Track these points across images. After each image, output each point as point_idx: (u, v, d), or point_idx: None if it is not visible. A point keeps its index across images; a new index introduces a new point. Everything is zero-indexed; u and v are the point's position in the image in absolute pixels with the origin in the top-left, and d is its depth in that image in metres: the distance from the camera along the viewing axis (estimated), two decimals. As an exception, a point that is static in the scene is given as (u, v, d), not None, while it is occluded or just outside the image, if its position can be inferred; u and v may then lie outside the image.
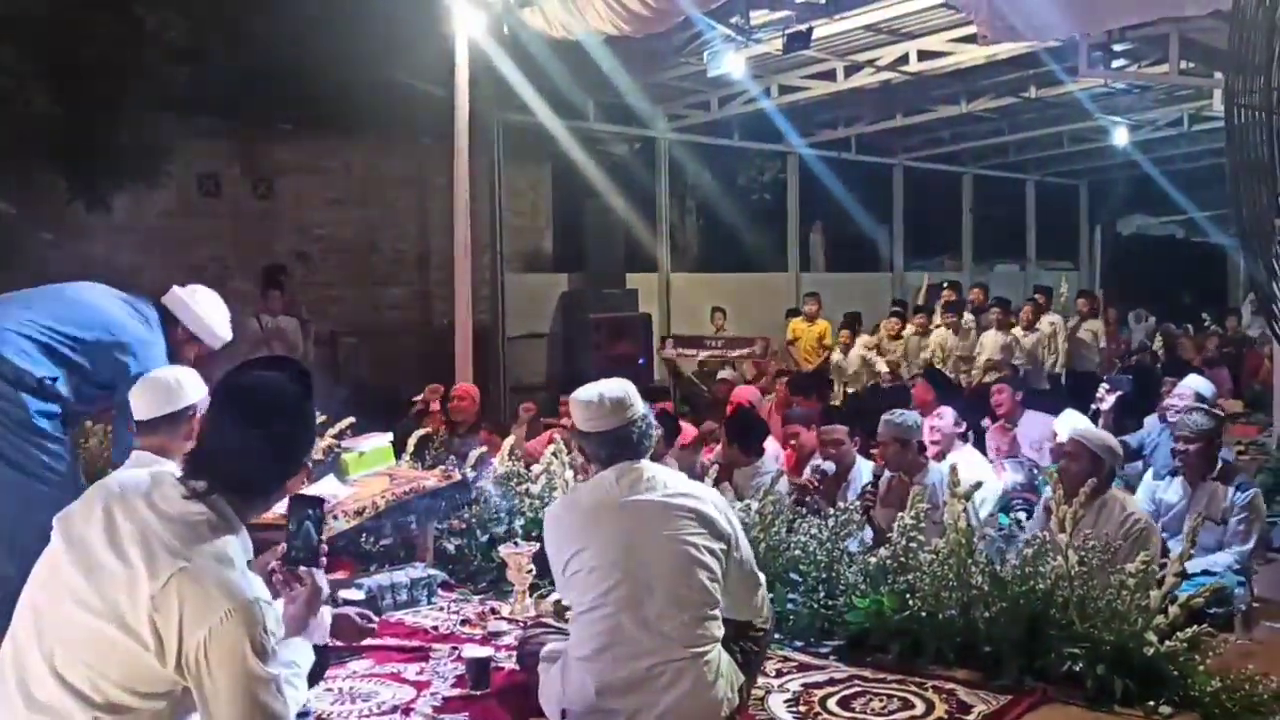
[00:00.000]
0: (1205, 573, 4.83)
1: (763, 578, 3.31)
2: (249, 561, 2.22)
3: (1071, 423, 6.33)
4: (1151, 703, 3.28)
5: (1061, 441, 6.19)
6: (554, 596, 4.10)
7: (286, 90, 9.93)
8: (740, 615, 3.22)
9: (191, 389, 3.40)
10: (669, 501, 3.09)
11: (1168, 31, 7.80)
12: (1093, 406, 7.60)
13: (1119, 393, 7.49)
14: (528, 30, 9.08)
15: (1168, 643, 3.38)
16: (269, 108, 10.37)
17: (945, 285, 12.94)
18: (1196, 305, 16.35)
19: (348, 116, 10.57)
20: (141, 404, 3.40)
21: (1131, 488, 5.68)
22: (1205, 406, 6.36)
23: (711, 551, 3.07)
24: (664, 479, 3.15)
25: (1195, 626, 3.43)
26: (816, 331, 12.35)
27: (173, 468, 2.61)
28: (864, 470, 5.54)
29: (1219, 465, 5.43)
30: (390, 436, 5.12)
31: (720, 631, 3.12)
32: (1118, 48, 9.38)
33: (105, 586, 2.07)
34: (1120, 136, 14.35)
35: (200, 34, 9.51)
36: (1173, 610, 3.49)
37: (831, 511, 4.31)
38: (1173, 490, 5.54)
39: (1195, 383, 7.06)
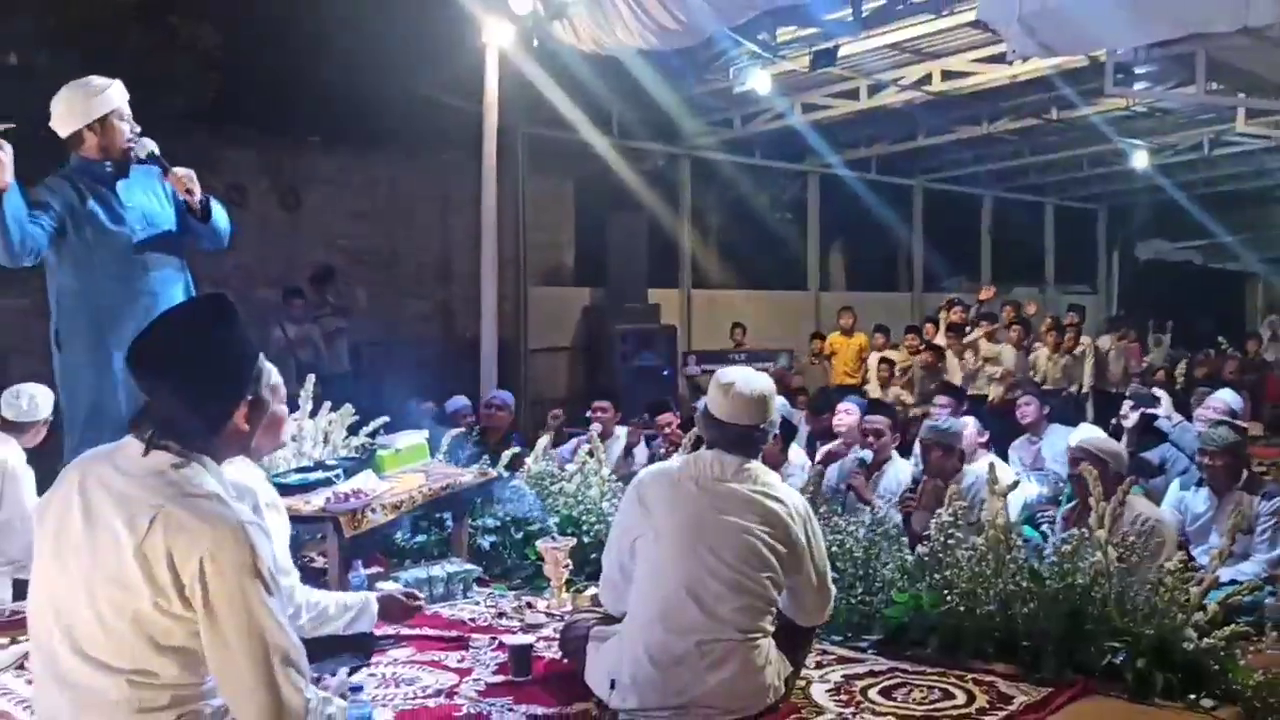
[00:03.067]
0: (1233, 581, 4.85)
1: (834, 591, 3.34)
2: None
3: (1087, 437, 6.40)
4: (1193, 696, 3.29)
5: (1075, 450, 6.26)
6: (591, 591, 4.14)
7: (314, 103, 10.02)
8: (806, 622, 3.28)
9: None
10: (752, 495, 3.14)
11: (1193, 51, 7.83)
12: (1113, 422, 7.64)
13: (1141, 409, 7.54)
14: (556, 44, 9.19)
15: (1206, 640, 3.40)
16: (297, 120, 10.47)
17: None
18: (1214, 331, 16.32)
19: (374, 129, 10.67)
20: None
21: (1158, 501, 5.72)
22: (1231, 420, 6.41)
23: (775, 551, 3.11)
24: (757, 474, 3.19)
25: (1232, 626, 3.45)
26: (856, 344, 12.40)
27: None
28: (899, 468, 5.58)
29: (1244, 476, 5.51)
30: (425, 434, 5.18)
31: (772, 627, 3.16)
32: (1140, 70, 9.42)
33: (97, 560, 2.09)
34: (1140, 160, 14.40)
35: (232, 45, 9.64)
36: (1211, 607, 3.52)
37: (868, 508, 4.34)
38: (1199, 500, 5.61)
39: (1227, 396, 7.12)
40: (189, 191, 4.02)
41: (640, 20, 8.25)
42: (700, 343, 13.53)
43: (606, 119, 12.27)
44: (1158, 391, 8.27)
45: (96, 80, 3.91)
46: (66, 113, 3.90)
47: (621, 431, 7.44)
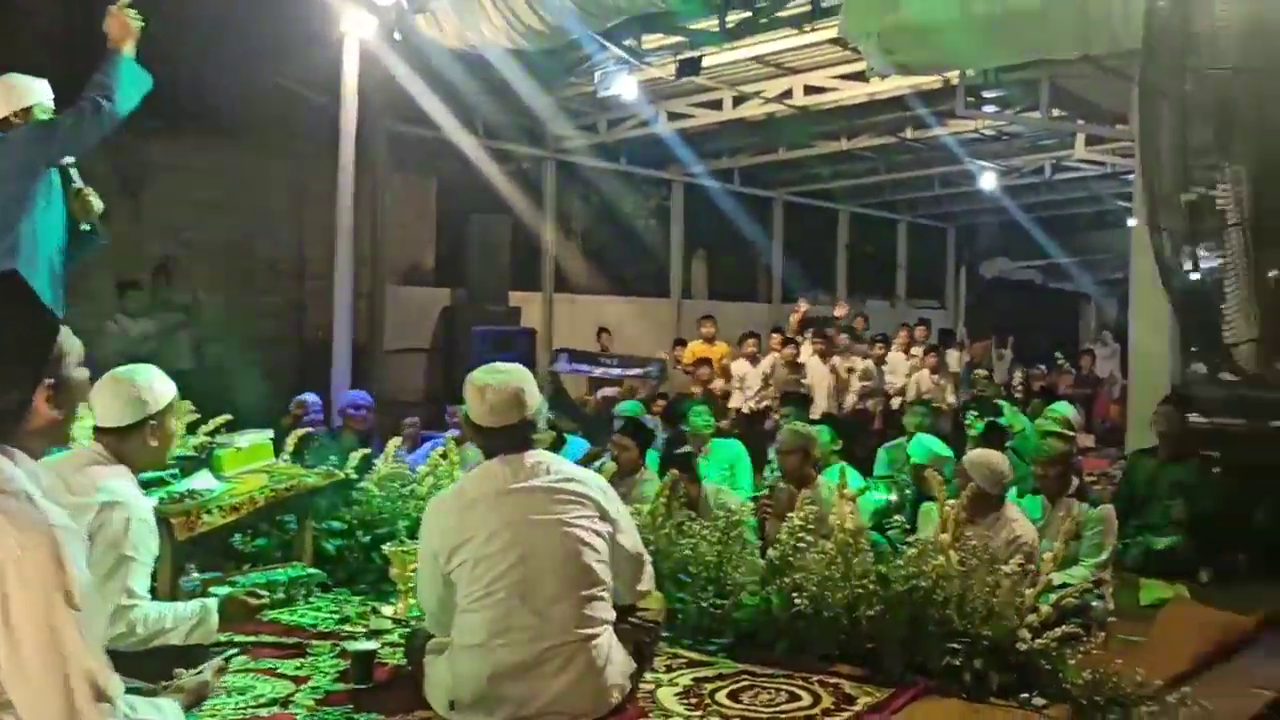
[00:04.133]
0: (1065, 585, 5.06)
1: (649, 558, 3.36)
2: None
3: (927, 447, 6.64)
4: (1025, 695, 3.40)
5: (916, 463, 6.48)
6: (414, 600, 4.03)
7: (160, 86, 9.59)
8: (628, 598, 3.26)
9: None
10: (554, 486, 3.11)
11: (1038, 78, 8.19)
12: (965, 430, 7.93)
13: (985, 418, 7.86)
14: (420, 39, 9.03)
15: (1039, 640, 3.52)
16: (140, 103, 10.00)
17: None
18: (1052, 347, 17.11)
19: (226, 117, 10.26)
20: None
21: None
22: (1060, 431, 6.73)
23: (597, 533, 3.11)
24: (548, 464, 3.16)
25: (1063, 627, 3.58)
26: (718, 353, 12.50)
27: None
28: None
29: (1074, 484, 5.78)
30: (270, 433, 4.98)
31: (610, 615, 3.14)
32: (989, 94, 9.80)
33: None
34: (987, 181, 15.01)
35: (71, 22, 9.15)
36: (1044, 609, 3.64)
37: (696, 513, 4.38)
38: (1034, 508, 5.85)
39: (1065, 409, 7.46)
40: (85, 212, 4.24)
41: (506, 19, 8.19)
42: (566, 346, 13.47)
43: (471, 118, 12.11)
44: (999, 402, 8.59)
45: (26, 78, 4.33)
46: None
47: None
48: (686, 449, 6.62)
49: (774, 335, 12.00)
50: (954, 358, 12.65)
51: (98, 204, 4.31)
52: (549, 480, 3.10)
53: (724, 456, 7.22)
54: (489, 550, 3.03)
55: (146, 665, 2.67)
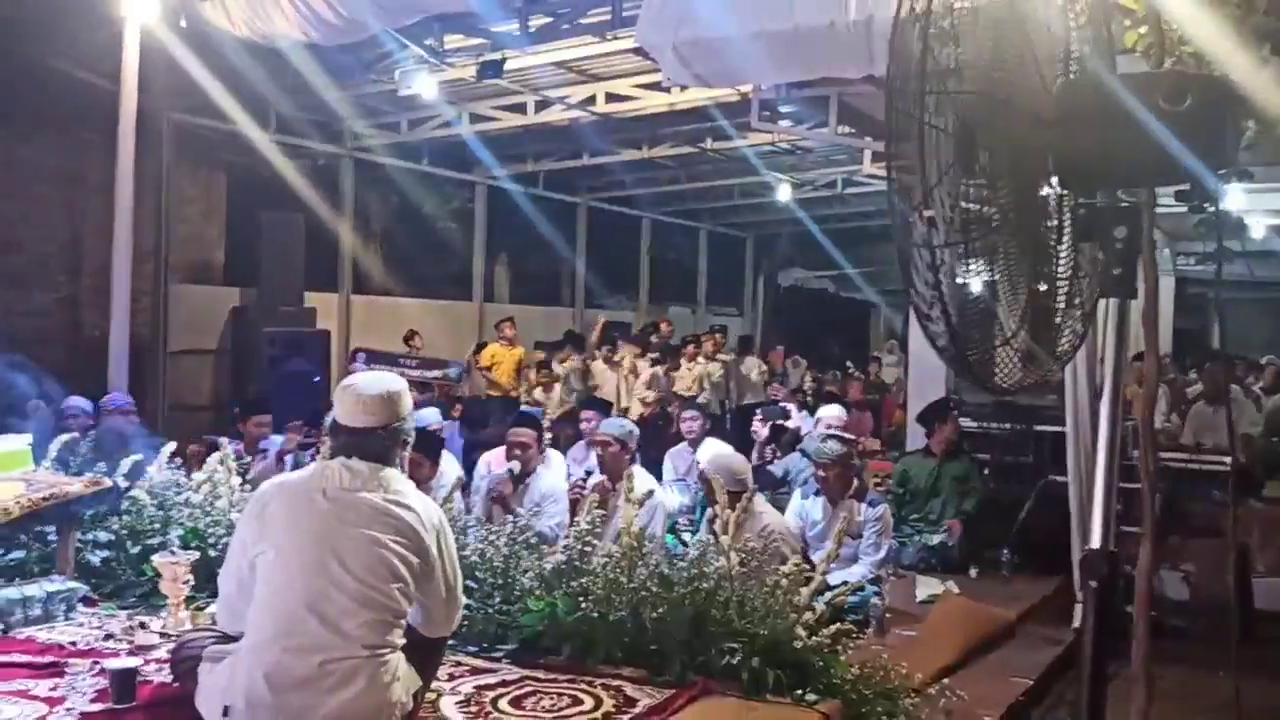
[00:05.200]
0: (845, 583, 5.30)
1: (462, 600, 3.27)
2: None
3: (712, 449, 6.86)
4: (799, 691, 3.53)
5: (704, 467, 6.68)
6: (213, 608, 3.86)
7: (-83, 63, 8.88)
8: (431, 633, 3.18)
9: None
10: (384, 504, 3.02)
11: (828, 95, 8.53)
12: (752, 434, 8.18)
13: (772, 421, 8.13)
14: (209, 26, 8.62)
15: (814, 638, 3.66)
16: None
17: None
18: (843, 354, 17.87)
19: (-10, 99, 9.56)
20: None
21: (782, 508, 6.16)
22: (840, 434, 7.04)
23: (408, 564, 3.01)
24: (390, 482, 3.07)
25: (838, 624, 3.74)
26: (516, 355, 12.45)
27: None
28: (544, 479, 5.67)
29: (854, 485, 6.08)
30: (28, 438, 4.67)
31: (401, 640, 3.06)
32: (784, 109, 10.14)
33: None
34: (783, 193, 15.49)
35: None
36: (819, 608, 3.79)
37: (510, 517, 4.36)
38: (816, 508, 6.10)
39: (836, 410, 7.82)
40: None
41: (299, 10, 7.92)
42: (364, 346, 13.13)
43: (265, 111, 11.64)
44: (789, 406, 8.89)
45: None
46: None
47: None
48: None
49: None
50: (752, 364, 13.04)
51: None
52: (383, 497, 3.01)
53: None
54: (295, 546, 2.94)
55: None
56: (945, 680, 3.74)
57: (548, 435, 7.26)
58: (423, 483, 5.62)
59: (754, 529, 4.63)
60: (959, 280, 2.12)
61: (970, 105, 2.03)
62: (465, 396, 11.46)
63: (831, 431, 6.63)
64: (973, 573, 6.67)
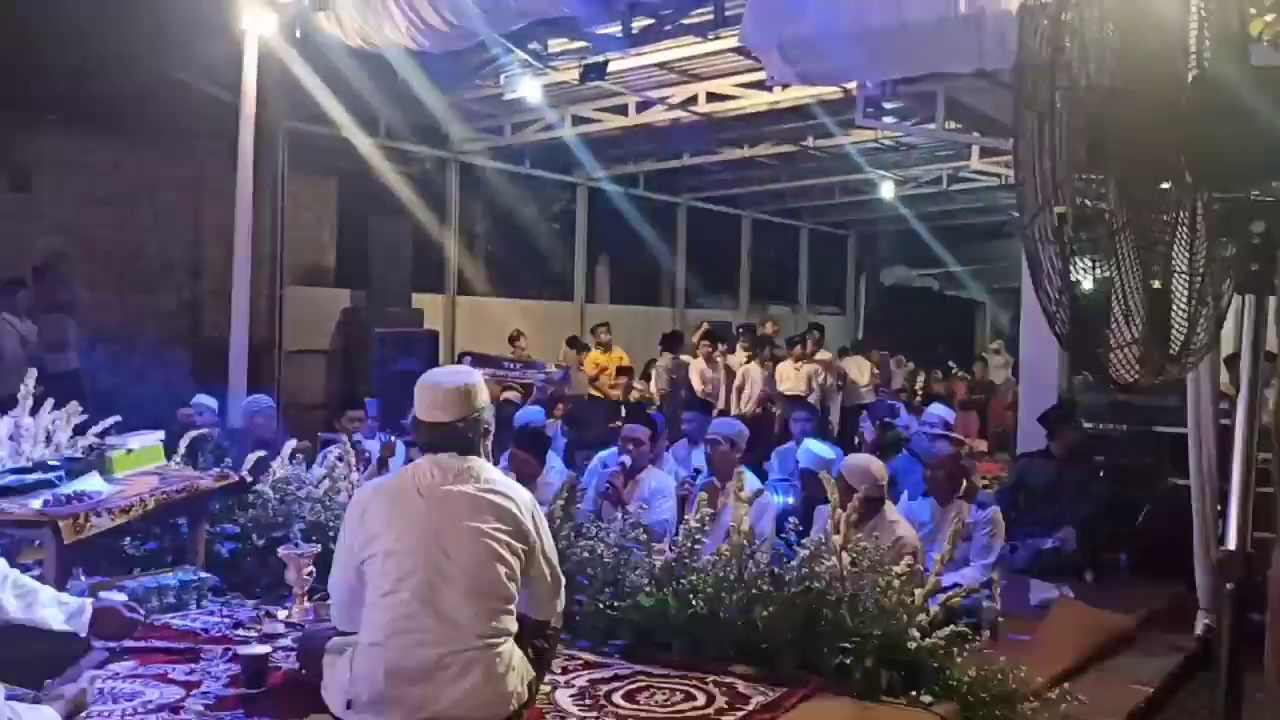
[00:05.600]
0: (955, 585, 5.22)
1: (563, 581, 3.34)
2: None
3: (810, 451, 6.79)
4: (914, 693, 3.50)
5: (806, 466, 6.64)
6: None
7: (53, 77, 9.30)
8: (540, 615, 3.25)
9: None
10: (479, 495, 3.09)
11: (934, 90, 8.40)
12: (856, 438, 8.10)
13: (880, 420, 8.03)
14: (322, 36, 8.88)
15: (928, 639, 3.62)
16: (31, 94, 9.67)
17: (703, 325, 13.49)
18: (947, 354, 17.56)
19: (120, 112, 9.98)
20: None
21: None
22: (949, 434, 6.93)
23: (512, 549, 3.09)
24: (480, 471, 3.14)
25: (951, 627, 3.70)
26: (615, 360, 12.55)
27: None
28: (654, 476, 5.69)
29: (964, 486, 5.96)
30: (161, 434, 4.88)
31: (514, 627, 3.13)
32: (889, 105, 10.03)
33: None
34: (886, 190, 15.31)
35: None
36: (933, 610, 3.75)
37: (619, 514, 4.41)
38: (925, 509, 6.01)
39: (940, 410, 7.68)
40: None
41: (409, 19, 8.10)
42: (466, 350, 13.37)
43: (373, 118, 11.95)
44: (897, 404, 8.77)
45: None
46: None
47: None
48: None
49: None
50: (859, 365, 12.92)
51: None
52: (476, 488, 3.09)
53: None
54: (401, 547, 3.02)
55: (22, 674, 2.59)
56: (1066, 685, 3.66)
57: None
58: (529, 480, 5.73)
59: (887, 540, 4.58)
60: (1080, 277, 2.09)
61: (1098, 98, 2.00)
62: (568, 396, 11.57)
63: (939, 432, 6.53)
64: (1089, 577, 6.50)
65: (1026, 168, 1.98)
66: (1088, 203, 2.11)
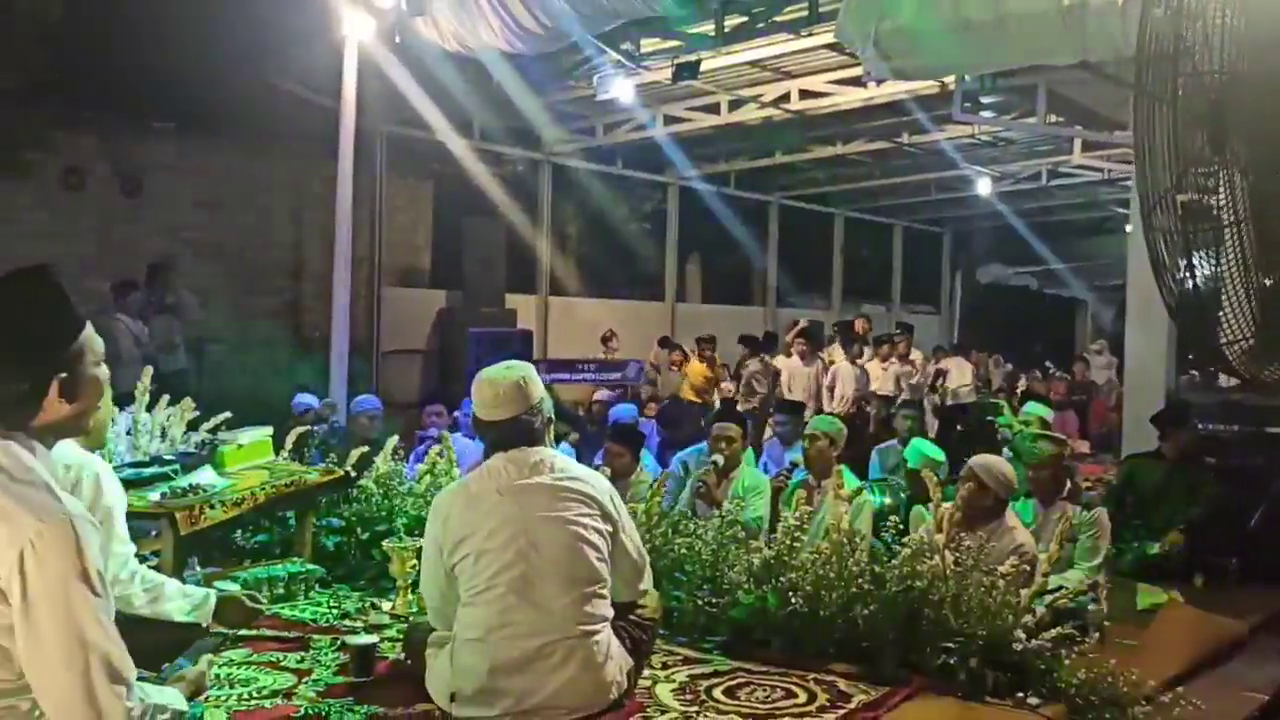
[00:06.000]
0: (1059, 587, 5.09)
1: (647, 560, 3.37)
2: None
3: (921, 450, 6.68)
4: (1020, 694, 3.44)
5: (913, 466, 6.53)
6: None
7: (162, 85, 9.63)
8: (626, 596, 3.28)
9: None
10: (557, 484, 3.13)
11: (1035, 83, 8.23)
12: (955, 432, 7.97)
13: (984, 418, 7.89)
14: (419, 41, 9.05)
15: (1034, 641, 3.55)
16: (141, 103, 10.03)
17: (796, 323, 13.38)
18: (1046, 354, 17.17)
19: (225, 117, 10.30)
20: None
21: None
22: (1051, 434, 6.75)
23: (599, 532, 3.13)
24: (552, 462, 3.18)
25: (1058, 628, 3.62)
26: (720, 373, 12.53)
27: None
28: (747, 474, 5.68)
29: (1067, 487, 5.81)
30: (270, 430, 5.01)
31: (609, 612, 3.16)
32: (986, 99, 9.85)
33: None
34: (983, 187, 15.05)
35: (74, 20, 9.18)
36: (1040, 611, 3.68)
37: (717, 511, 4.40)
38: (1027, 511, 5.87)
39: (1036, 409, 7.50)
40: None
41: (504, 21, 8.20)
42: (558, 349, 13.50)
43: (467, 121, 12.15)
44: (997, 402, 8.60)
45: None
46: None
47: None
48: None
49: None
50: (960, 365, 12.73)
51: None
52: (552, 478, 3.13)
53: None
54: (491, 545, 3.06)
55: (144, 659, 2.68)
56: (1179, 690, 3.55)
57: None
58: (623, 475, 5.74)
59: (1006, 546, 4.49)
60: (1200, 272, 2.03)
61: (1220, 83, 1.95)
62: (659, 396, 11.59)
63: (1041, 431, 6.37)
64: (1198, 581, 6.29)
65: (1146, 157, 1.94)
66: (1202, 198, 2.05)
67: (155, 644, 2.75)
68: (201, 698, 2.56)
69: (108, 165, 10.61)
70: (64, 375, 2.08)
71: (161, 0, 9.25)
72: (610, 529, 3.16)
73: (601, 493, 3.19)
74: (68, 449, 2.92)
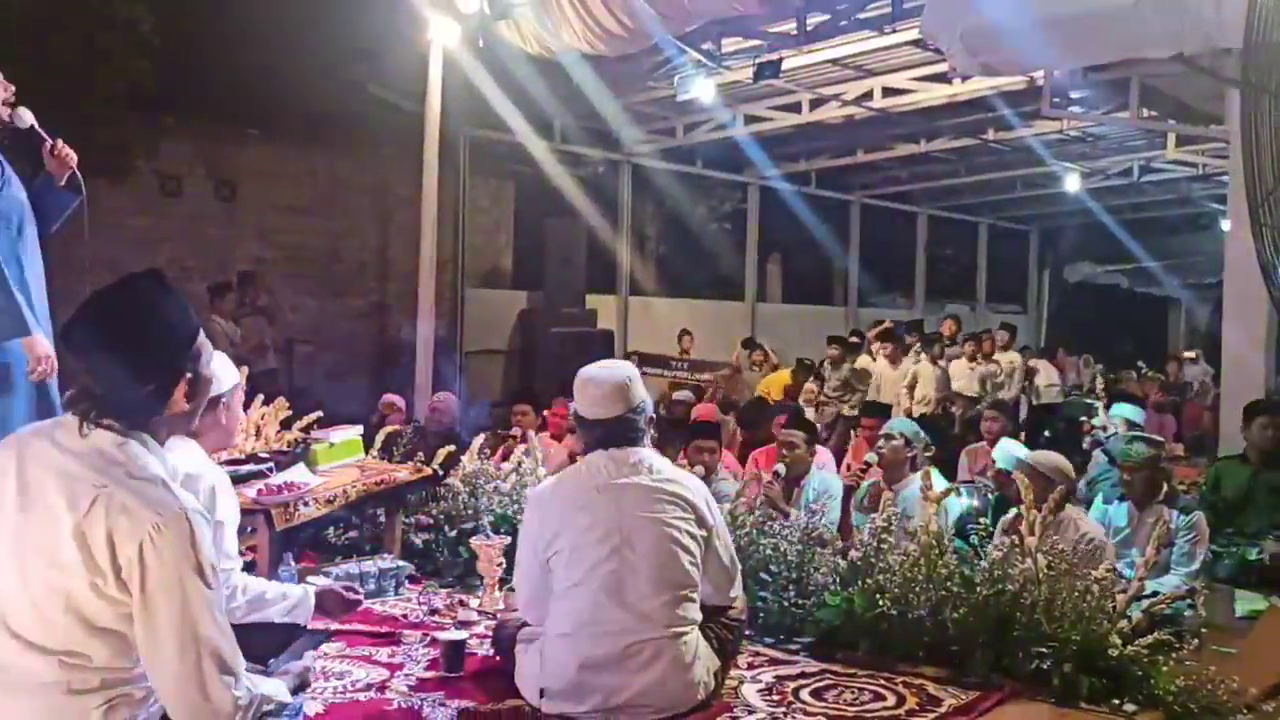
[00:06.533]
0: (1155, 593, 4.97)
1: (739, 566, 3.38)
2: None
3: (1008, 451, 6.54)
4: (1116, 701, 3.36)
5: (1001, 468, 6.40)
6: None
7: (253, 93, 9.89)
8: (718, 601, 3.29)
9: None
10: (654, 485, 3.15)
11: (1128, 76, 8.03)
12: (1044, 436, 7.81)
13: (1080, 419, 7.71)
14: (502, 45, 9.15)
15: (1129, 646, 3.47)
16: (235, 110, 10.31)
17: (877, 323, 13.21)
18: (1137, 354, 16.74)
19: (314, 123, 10.54)
20: None
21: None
22: (1147, 435, 6.58)
23: (693, 536, 3.14)
24: (651, 463, 3.20)
25: (1155, 634, 3.53)
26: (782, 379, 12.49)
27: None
28: (818, 478, 5.61)
29: (1164, 490, 5.65)
30: (360, 429, 5.12)
31: (698, 615, 3.17)
32: (1076, 94, 9.64)
33: (33, 538, 2.04)
34: (1072, 183, 14.72)
35: (169, 31, 9.46)
36: (1135, 616, 3.59)
37: (790, 513, 4.39)
38: (1120, 514, 5.73)
39: (1124, 410, 7.29)
40: (65, 167, 3.87)
41: (586, 24, 8.26)
42: (637, 349, 13.54)
43: (548, 123, 12.26)
44: (1094, 403, 8.41)
45: None
46: None
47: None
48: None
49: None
50: (1047, 367, 12.49)
51: (73, 154, 3.92)
52: (650, 479, 3.15)
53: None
54: (585, 541, 3.08)
55: (252, 655, 2.76)
56: (1281, 699, 3.45)
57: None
58: (708, 470, 5.71)
59: (1070, 538, 4.41)
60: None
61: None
62: (738, 396, 11.55)
63: (1137, 433, 6.22)
64: (1299, 588, 6.09)
65: (1251, 151, 1.88)
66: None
67: (262, 643, 2.84)
68: (305, 693, 2.63)
69: (203, 170, 10.92)
70: (189, 376, 2.17)
71: (252, 9, 9.49)
72: (704, 534, 3.17)
73: (697, 497, 3.20)
74: (190, 457, 3.04)
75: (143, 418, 2.14)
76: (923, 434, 5.83)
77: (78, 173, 3.94)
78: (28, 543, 2.04)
